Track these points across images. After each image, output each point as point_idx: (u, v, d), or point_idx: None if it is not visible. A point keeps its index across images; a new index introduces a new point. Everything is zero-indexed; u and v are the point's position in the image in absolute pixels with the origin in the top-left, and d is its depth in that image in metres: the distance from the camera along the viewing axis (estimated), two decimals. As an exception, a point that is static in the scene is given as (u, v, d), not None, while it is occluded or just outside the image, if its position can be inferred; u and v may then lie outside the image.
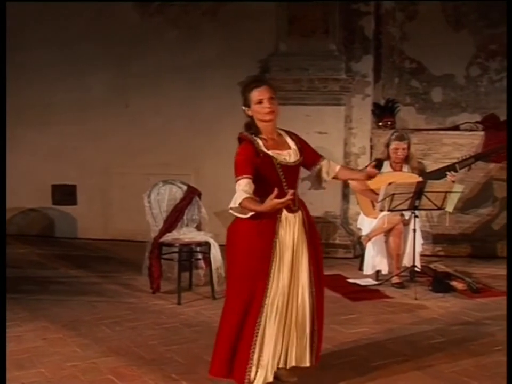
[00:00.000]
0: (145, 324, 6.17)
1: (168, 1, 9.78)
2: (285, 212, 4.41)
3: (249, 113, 4.41)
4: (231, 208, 4.25)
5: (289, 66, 9.11)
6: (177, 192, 7.46)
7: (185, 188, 7.50)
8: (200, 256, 7.29)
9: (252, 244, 4.37)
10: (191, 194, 7.45)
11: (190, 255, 7.30)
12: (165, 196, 7.39)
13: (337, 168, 4.69)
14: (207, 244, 6.99)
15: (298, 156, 4.49)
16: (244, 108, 4.43)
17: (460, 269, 8.05)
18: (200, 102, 9.64)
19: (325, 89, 9.05)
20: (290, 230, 4.45)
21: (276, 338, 4.41)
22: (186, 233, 7.13)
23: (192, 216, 7.39)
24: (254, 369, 4.39)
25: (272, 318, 4.39)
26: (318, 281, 4.57)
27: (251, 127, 4.43)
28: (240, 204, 4.16)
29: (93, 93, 10.01)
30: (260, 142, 4.37)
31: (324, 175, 4.66)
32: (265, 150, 4.35)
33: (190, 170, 9.58)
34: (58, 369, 4.95)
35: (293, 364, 4.55)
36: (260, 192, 4.24)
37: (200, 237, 7.10)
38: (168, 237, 7.07)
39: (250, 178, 4.23)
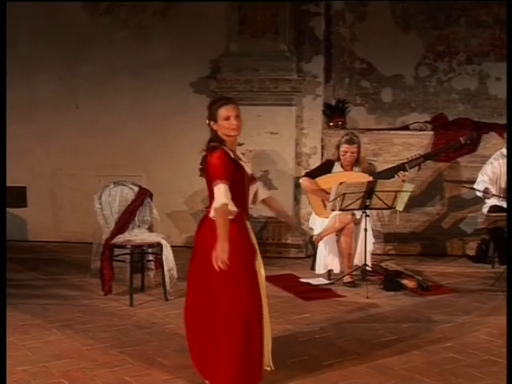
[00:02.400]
0: (97, 326, 6.13)
1: (118, 1, 9.71)
2: (247, 221, 4.68)
3: (214, 127, 4.59)
4: (215, 208, 4.40)
5: (240, 67, 9.12)
6: (128, 193, 7.41)
7: (136, 189, 7.45)
8: (152, 257, 7.25)
9: (240, 244, 4.52)
10: (143, 195, 7.40)
11: (142, 257, 7.26)
12: (116, 197, 7.34)
13: (267, 194, 5.03)
14: (159, 245, 6.97)
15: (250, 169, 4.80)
16: (209, 121, 4.62)
17: (410, 267, 8.14)
18: (151, 102, 9.59)
19: (276, 90, 9.07)
20: (252, 234, 4.73)
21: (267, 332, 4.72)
22: (138, 235, 7.09)
23: (144, 218, 7.35)
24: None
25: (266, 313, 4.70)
26: None
27: (214, 140, 4.60)
28: (221, 206, 4.35)
29: (41, 94, 9.90)
30: (230, 152, 4.57)
31: (260, 195, 4.93)
32: (236, 159, 4.59)
33: (142, 172, 9.53)
34: (9, 374, 4.87)
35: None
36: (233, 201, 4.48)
37: (152, 238, 7.07)
38: (119, 239, 7.02)
39: (228, 185, 4.42)
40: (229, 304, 4.46)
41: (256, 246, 4.73)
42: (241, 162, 4.63)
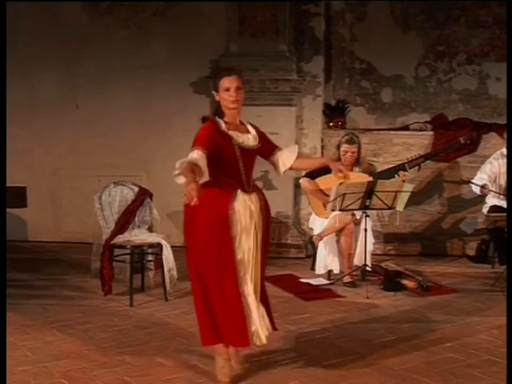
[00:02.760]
0: (97, 326, 6.12)
1: (118, 2, 9.71)
2: (239, 191, 4.65)
3: (217, 98, 4.64)
4: (176, 171, 4.33)
5: (240, 67, 9.01)
6: (128, 193, 7.41)
7: (136, 189, 7.45)
8: (151, 257, 7.25)
9: (210, 215, 4.53)
10: (143, 195, 7.40)
11: (142, 257, 7.26)
12: (116, 198, 7.34)
13: (293, 158, 4.95)
14: (159, 245, 6.96)
15: (257, 142, 4.77)
16: (213, 92, 4.66)
17: (410, 267, 8.14)
18: (151, 102, 9.59)
19: (276, 90, 9.08)
20: (246, 206, 4.67)
21: (255, 298, 4.68)
22: (137, 235, 7.09)
23: (144, 218, 7.35)
24: (253, 329, 4.65)
25: (247, 279, 4.65)
26: (264, 260, 4.86)
27: (217, 111, 4.67)
28: (183, 164, 4.29)
29: (41, 94, 9.90)
30: (222, 123, 4.61)
31: (281, 165, 4.95)
32: (226, 130, 4.58)
33: (142, 172, 9.53)
34: (9, 374, 4.86)
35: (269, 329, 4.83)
36: (219, 171, 4.58)
37: (151, 238, 7.07)
38: (119, 239, 7.02)
39: (205, 152, 4.41)
40: (189, 265, 4.68)
41: (255, 223, 4.69)
42: (235, 133, 4.62)
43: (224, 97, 4.59)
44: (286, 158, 4.95)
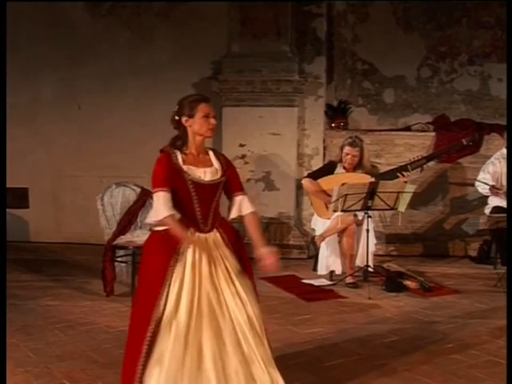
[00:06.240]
0: (99, 327, 6.12)
1: (120, 2, 9.72)
2: (191, 230, 4.19)
3: (187, 123, 4.23)
4: (151, 223, 4.15)
5: (242, 68, 9.12)
6: (130, 194, 7.41)
7: (138, 190, 7.45)
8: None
9: (154, 259, 4.17)
10: (145, 196, 7.40)
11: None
12: (118, 198, 7.34)
13: (248, 213, 4.36)
14: (161, 246, 6.95)
15: (218, 176, 4.25)
16: (182, 116, 4.25)
17: (412, 268, 8.13)
18: (153, 103, 9.58)
19: (277, 91, 9.08)
20: (201, 248, 4.19)
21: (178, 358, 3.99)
22: (140, 236, 7.06)
23: (146, 219, 7.35)
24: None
25: (167, 335, 4.03)
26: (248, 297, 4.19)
27: (179, 139, 4.29)
28: (163, 219, 4.08)
29: (43, 95, 9.91)
30: (179, 156, 4.20)
31: (235, 209, 4.37)
32: (180, 164, 4.18)
33: (144, 173, 9.47)
34: (10, 375, 4.86)
35: None
36: (174, 207, 4.14)
37: (153, 239, 7.05)
38: (121, 240, 7.03)
39: (169, 192, 4.11)
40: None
41: (215, 256, 4.18)
42: (190, 168, 4.17)
43: (201, 123, 4.19)
44: (245, 206, 4.34)
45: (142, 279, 4.28)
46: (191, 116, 4.23)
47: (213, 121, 4.24)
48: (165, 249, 4.13)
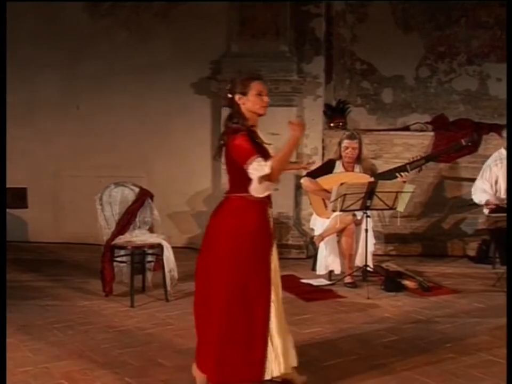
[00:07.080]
0: (98, 327, 6.12)
1: (119, 2, 9.71)
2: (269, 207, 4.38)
3: (240, 101, 4.32)
4: (260, 177, 4.15)
5: (241, 68, 9.08)
6: (129, 194, 7.40)
7: (137, 190, 7.44)
8: (152, 258, 7.25)
9: (258, 239, 4.30)
10: (143, 196, 7.40)
11: (143, 258, 7.26)
12: (117, 198, 7.33)
13: None
14: (160, 246, 6.96)
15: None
16: (235, 94, 4.33)
17: (411, 267, 8.13)
18: (152, 103, 9.60)
19: (276, 90, 9.05)
20: (271, 224, 4.43)
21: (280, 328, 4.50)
22: (138, 236, 7.08)
23: (145, 219, 7.34)
24: (271, 364, 4.38)
25: (274, 309, 4.48)
26: None
27: (236, 116, 4.34)
28: (271, 165, 4.12)
29: (42, 95, 9.91)
30: (253, 134, 4.31)
31: None
32: (260, 140, 4.32)
33: (142, 172, 9.53)
34: (9, 375, 4.86)
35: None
36: (247, 185, 4.22)
37: (152, 239, 7.06)
38: (120, 240, 7.02)
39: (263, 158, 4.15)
40: (226, 294, 4.30)
41: (274, 236, 4.45)
42: (264, 145, 4.34)
43: (255, 101, 4.29)
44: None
45: (248, 254, 4.28)
46: (244, 94, 4.30)
47: (266, 98, 4.33)
48: (262, 222, 4.30)
